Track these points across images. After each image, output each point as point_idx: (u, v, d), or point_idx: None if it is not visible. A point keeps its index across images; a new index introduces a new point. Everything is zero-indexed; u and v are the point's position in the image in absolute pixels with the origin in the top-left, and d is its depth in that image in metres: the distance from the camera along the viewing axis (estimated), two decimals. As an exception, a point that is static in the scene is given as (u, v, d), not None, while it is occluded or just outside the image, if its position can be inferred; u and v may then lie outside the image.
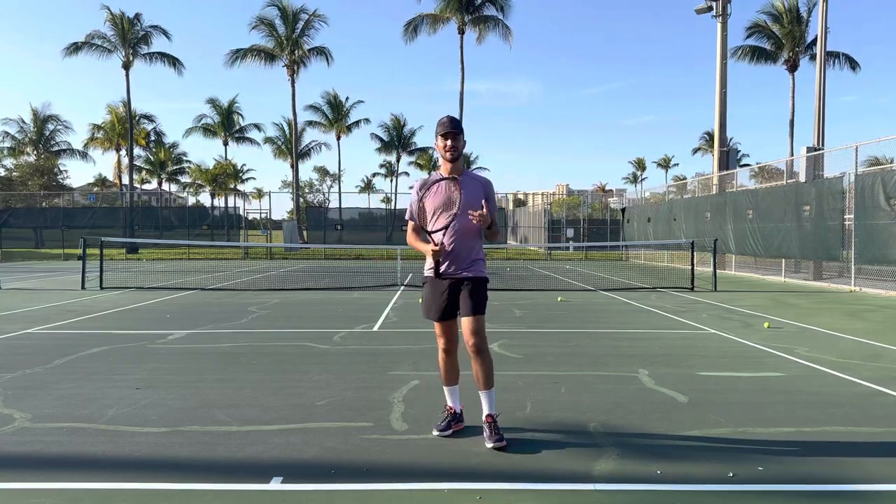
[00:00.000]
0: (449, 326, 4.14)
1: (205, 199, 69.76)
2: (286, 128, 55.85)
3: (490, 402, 4.04)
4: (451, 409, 4.25)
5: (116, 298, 12.69)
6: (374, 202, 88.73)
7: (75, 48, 38.79)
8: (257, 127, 60.60)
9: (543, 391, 5.32)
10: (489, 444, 3.90)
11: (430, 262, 4.11)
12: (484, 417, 4.04)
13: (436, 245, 3.91)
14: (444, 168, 4.11)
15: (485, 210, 3.90)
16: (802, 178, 18.06)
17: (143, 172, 68.58)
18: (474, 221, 3.85)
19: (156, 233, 35.86)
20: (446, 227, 3.95)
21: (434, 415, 4.45)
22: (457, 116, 37.80)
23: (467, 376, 4.37)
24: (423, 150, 68.72)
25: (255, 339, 8.02)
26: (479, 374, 4.04)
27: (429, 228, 4.07)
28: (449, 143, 3.99)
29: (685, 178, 74.53)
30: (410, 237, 4.25)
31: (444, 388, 4.29)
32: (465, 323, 4.03)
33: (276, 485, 3.34)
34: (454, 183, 3.96)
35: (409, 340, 7.85)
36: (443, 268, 4.02)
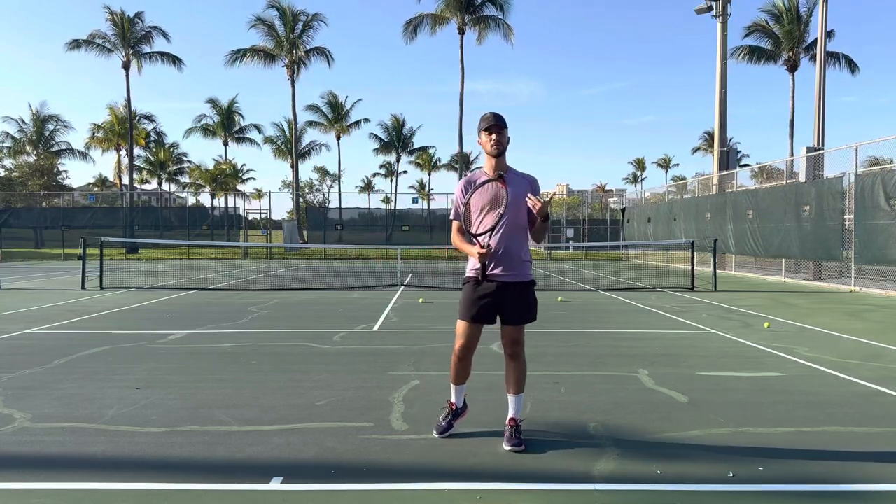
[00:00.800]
0: (476, 330, 3.98)
1: (205, 199, 69.84)
2: (286, 128, 55.89)
3: (517, 407, 4.02)
4: (453, 405, 4.19)
5: (116, 298, 12.69)
6: (374, 202, 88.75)
7: (76, 44, 38.89)
8: (257, 127, 60.67)
9: (543, 391, 5.32)
10: (507, 447, 3.88)
11: (472, 263, 3.98)
12: (507, 420, 4.01)
13: (482, 248, 3.77)
14: (487, 164, 3.98)
15: (538, 203, 3.70)
16: (802, 178, 18.06)
17: (143, 172, 68.60)
18: (534, 207, 3.68)
19: (156, 233, 35.86)
20: (493, 228, 3.81)
21: (434, 415, 4.44)
22: (459, 116, 37.08)
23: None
24: (423, 149, 68.75)
25: (255, 339, 8.02)
26: (512, 379, 4.00)
27: (474, 227, 3.92)
28: (494, 137, 3.87)
29: (685, 178, 74.59)
30: (455, 238, 4.09)
31: (452, 386, 4.17)
32: (508, 329, 3.96)
33: (276, 485, 3.34)
34: (500, 180, 3.85)
35: (409, 340, 7.85)
36: (489, 270, 3.88)
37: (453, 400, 4.20)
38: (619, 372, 6.13)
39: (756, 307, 11.65)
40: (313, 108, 54.21)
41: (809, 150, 18.10)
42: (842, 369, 6.27)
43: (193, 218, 38.79)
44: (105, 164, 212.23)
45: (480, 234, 3.86)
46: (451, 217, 4.12)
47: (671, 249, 27.68)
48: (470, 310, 3.94)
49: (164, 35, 40.35)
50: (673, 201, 28.97)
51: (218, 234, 37.75)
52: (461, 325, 3.99)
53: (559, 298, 12.99)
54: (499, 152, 3.90)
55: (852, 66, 38.41)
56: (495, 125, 3.87)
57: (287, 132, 55.21)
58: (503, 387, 4.19)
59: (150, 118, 57.13)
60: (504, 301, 3.91)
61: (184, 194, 72.19)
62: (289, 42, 41.25)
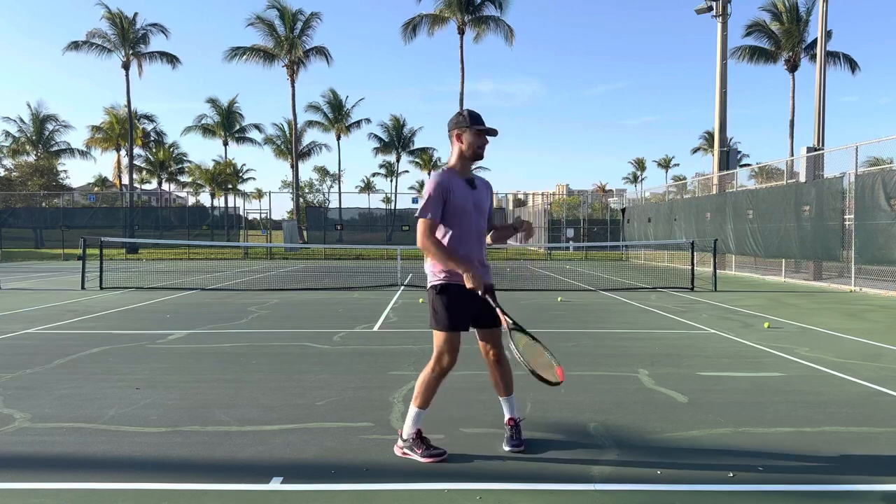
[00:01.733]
0: (459, 339, 3.73)
1: (205, 199, 69.87)
2: (286, 128, 55.87)
3: (512, 406, 4.01)
4: (419, 431, 3.77)
5: (116, 298, 12.69)
6: (375, 202, 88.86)
7: (75, 45, 38.91)
8: (257, 127, 60.63)
9: (543, 391, 5.30)
10: (506, 447, 3.86)
11: (442, 266, 3.73)
12: (506, 421, 3.99)
13: (482, 294, 3.60)
14: (459, 165, 3.78)
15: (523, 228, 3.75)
16: (802, 179, 18.07)
17: (143, 172, 68.59)
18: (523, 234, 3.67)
19: (156, 233, 35.88)
20: (476, 235, 3.73)
21: (434, 415, 4.43)
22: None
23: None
24: (424, 149, 68.76)
25: (255, 339, 8.02)
26: (503, 381, 3.95)
27: (445, 227, 3.73)
28: (484, 143, 3.75)
29: (685, 178, 74.61)
30: (431, 239, 3.67)
31: (420, 413, 3.77)
32: (489, 332, 3.83)
33: (276, 485, 3.34)
34: (472, 185, 3.79)
35: (408, 340, 7.85)
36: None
37: (419, 426, 3.77)
38: (619, 372, 6.13)
39: (756, 307, 11.65)
40: (314, 107, 54.19)
41: (809, 150, 18.11)
42: (842, 369, 6.26)
43: (193, 218, 38.79)
44: (105, 163, 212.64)
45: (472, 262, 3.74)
46: (429, 215, 3.65)
47: (671, 249, 27.68)
48: (458, 319, 3.69)
49: (164, 31, 40.43)
50: (673, 201, 28.97)
51: (218, 234, 37.75)
52: (448, 338, 3.66)
53: (559, 298, 13.00)
54: (480, 157, 3.79)
55: (853, 64, 38.37)
56: (493, 129, 3.74)
57: (287, 132, 55.21)
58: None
59: (149, 118, 57.21)
60: (480, 306, 3.74)
61: (184, 194, 72.26)
62: (288, 42, 41.26)
